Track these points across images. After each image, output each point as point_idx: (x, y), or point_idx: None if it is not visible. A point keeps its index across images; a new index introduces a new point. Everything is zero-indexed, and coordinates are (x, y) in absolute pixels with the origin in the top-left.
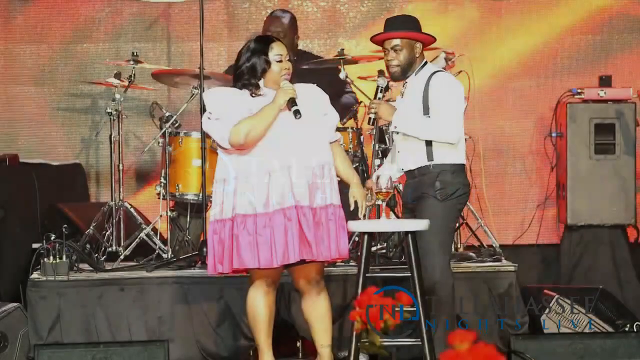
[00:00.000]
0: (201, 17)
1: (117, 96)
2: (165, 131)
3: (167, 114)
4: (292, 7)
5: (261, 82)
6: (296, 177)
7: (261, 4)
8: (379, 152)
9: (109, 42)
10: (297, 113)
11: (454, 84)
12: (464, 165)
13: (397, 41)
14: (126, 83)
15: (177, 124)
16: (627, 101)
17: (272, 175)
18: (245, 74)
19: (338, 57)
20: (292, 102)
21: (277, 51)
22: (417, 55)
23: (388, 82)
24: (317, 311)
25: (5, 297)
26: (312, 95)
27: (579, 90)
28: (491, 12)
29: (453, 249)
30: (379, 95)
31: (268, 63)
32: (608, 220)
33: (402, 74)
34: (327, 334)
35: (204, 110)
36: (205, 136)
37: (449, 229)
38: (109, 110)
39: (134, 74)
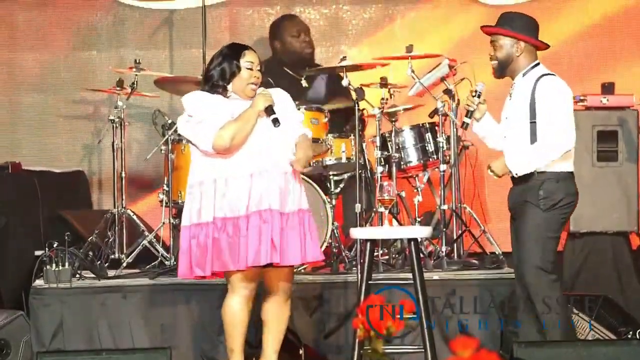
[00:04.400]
0: (203, 25)
1: (120, 103)
2: (167, 138)
3: (170, 121)
4: (295, 14)
5: (229, 87)
6: (271, 182)
7: (263, 11)
8: (382, 159)
9: (112, 49)
10: (275, 121)
11: (561, 87)
12: (571, 173)
13: (497, 37)
14: (129, 90)
15: None
16: (629, 108)
17: (253, 178)
18: (214, 77)
19: (341, 65)
20: (270, 109)
21: (248, 58)
22: (518, 55)
23: (484, 86)
24: (281, 317)
25: (8, 304)
26: (280, 99)
27: (582, 98)
28: (494, 20)
29: (456, 257)
30: (475, 100)
31: (238, 68)
32: (610, 227)
33: (500, 71)
34: (279, 342)
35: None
36: None
37: (550, 238)
38: (111, 117)
39: (137, 82)
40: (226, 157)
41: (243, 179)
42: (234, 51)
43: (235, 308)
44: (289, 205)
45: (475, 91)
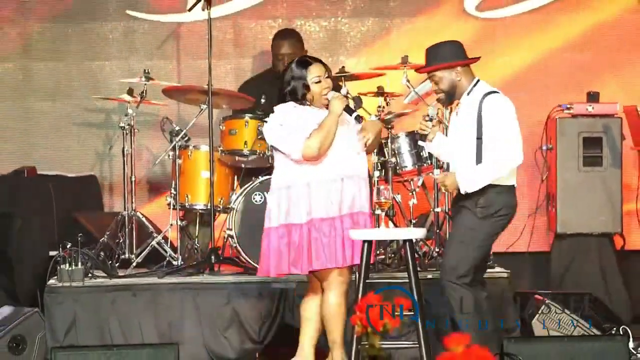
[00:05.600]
0: (209, 36)
1: (130, 111)
2: (175, 144)
3: (177, 128)
4: (296, 27)
5: (307, 99)
6: (360, 185)
7: (266, 23)
8: (379, 164)
9: (122, 60)
10: (358, 118)
11: (505, 104)
12: (513, 186)
13: (433, 73)
14: (138, 99)
15: (186, 138)
16: (613, 116)
17: (344, 182)
18: (288, 96)
19: (340, 75)
20: (348, 109)
21: (314, 73)
22: (459, 79)
23: (437, 110)
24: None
25: (24, 302)
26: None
27: (568, 106)
28: (485, 31)
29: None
30: (429, 124)
31: (307, 87)
32: (596, 229)
33: (449, 100)
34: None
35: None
36: (213, 149)
37: (480, 243)
38: (122, 124)
39: (146, 90)
40: (317, 162)
41: (335, 182)
42: (299, 70)
43: (337, 302)
44: (356, 207)
45: (428, 115)
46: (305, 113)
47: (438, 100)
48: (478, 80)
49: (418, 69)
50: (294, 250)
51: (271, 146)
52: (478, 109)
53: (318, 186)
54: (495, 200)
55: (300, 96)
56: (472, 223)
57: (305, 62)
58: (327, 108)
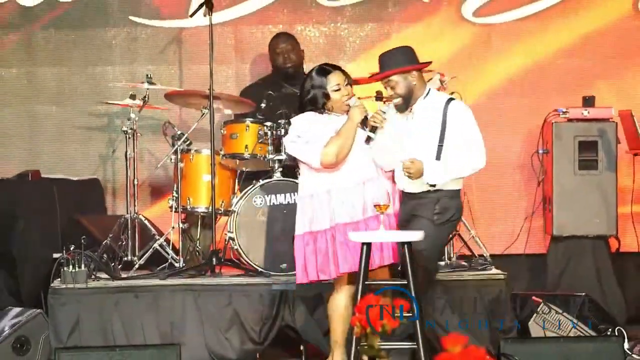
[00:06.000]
0: (211, 42)
1: (132, 115)
2: (177, 148)
3: (179, 132)
4: (296, 32)
5: (327, 107)
6: (381, 188)
7: (267, 29)
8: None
9: (125, 64)
10: (368, 139)
11: (470, 111)
12: (459, 190)
13: (388, 78)
14: (140, 103)
15: (188, 142)
16: (608, 120)
17: (365, 186)
18: (308, 104)
19: None
20: (364, 122)
21: (334, 82)
22: (415, 83)
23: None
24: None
25: (28, 303)
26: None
27: (564, 110)
28: (482, 37)
29: (447, 258)
30: (381, 117)
31: (327, 95)
32: (591, 231)
33: (406, 105)
34: None
35: (288, 132)
36: (214, 153)
37: (438, 248)
38: (124, 128)
39: (148, 95)
40: (336, 169)
41: (357, 186)
42: (319, 78)
43: (345, 304)
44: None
45: (383, 111)
46: (324, 120)
47: (396, 106)
48: (429, 88)
49: (373, 75)
50: (321, 256)
51: (293, 158)
52: (443, 115)
53: (339, 193)
54: (450, 205)
55: (321, 105)
56: (431, 230)
57: (325, 70)
58: (347, 114)
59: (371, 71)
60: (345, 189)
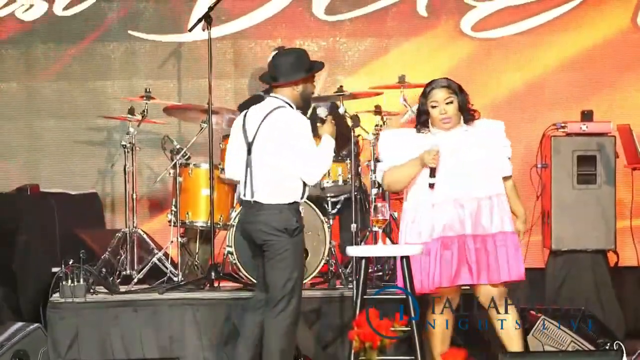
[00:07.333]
0: (210, 56)
1: (131, 130)
2: (176, 163)
3: (178, 147)
4: (295, 47)
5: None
6: (464, 207)
7: (266, 43)
8: (376, 182)
9: (124, 79)
10: (430, 186)
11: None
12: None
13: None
14: (139, 118)
15: (187, 156)
16: (607, 135)
17: (463, 203)
18: (417, 117)
19: (337, 94)
20: (432, 171)
21: (432, 98)
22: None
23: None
24: (505, 324)
25: (27, 317)
26: (490, 130)
27: (563, 124)
28: (481, 51)
29: None
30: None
31: (426, 112)
32: (590, 245)
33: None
34: (517, 342)
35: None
36: (213, 167)
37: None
38: (123, 143)
39: (147, 109)
40: (426, 188)
41: (449, 204)
42: (425, 92)
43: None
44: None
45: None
46: (404, 140)
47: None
48: None
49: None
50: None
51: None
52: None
53: (439, 207)
54: (296, 217)
55: (422, 119)
56: (289, 245)
57: (430, 85)
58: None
59: (370, 85)
60: (442, 205)
